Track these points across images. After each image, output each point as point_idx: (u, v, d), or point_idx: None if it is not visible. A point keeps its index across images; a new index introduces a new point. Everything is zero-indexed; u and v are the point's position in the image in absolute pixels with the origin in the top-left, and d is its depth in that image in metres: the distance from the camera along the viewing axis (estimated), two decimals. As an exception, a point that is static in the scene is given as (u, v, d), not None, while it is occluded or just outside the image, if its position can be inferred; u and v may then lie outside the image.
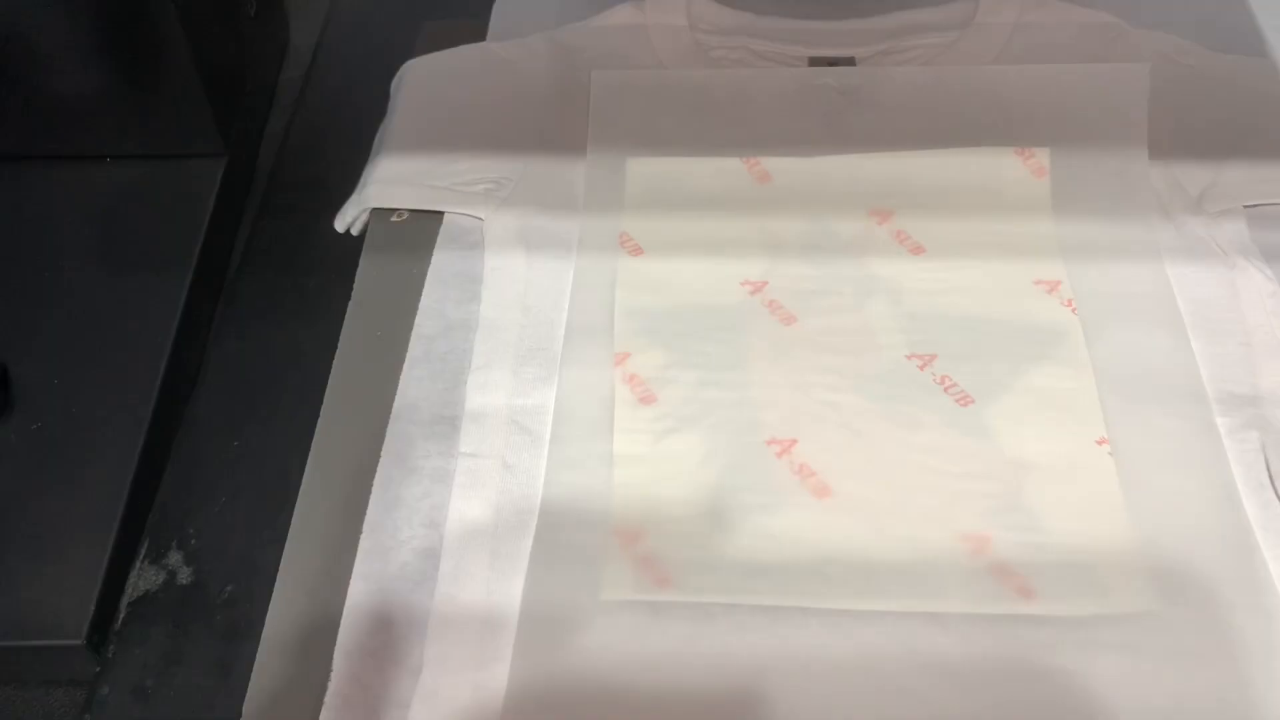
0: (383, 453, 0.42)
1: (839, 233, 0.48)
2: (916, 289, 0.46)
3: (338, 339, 0.49)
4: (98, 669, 0.43)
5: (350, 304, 0.48)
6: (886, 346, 0.44)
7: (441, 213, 0.50)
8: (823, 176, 0.49)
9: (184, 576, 0.46)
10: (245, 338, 0.53)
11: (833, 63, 0.54)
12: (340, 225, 0.51)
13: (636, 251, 0.48)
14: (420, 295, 0.47)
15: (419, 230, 0.50)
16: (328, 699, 0.36)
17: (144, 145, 0.58)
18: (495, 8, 0.60)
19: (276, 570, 0.43)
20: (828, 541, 0.39)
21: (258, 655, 0.39)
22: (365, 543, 0.40)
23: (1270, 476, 0.40)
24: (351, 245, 0.53)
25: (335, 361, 0.46)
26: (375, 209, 0.51)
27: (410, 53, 0.59)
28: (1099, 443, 0.41)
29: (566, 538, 0.40)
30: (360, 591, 0.39)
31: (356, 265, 0.52)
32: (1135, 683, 0.36)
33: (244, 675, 0.42)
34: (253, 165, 0.62)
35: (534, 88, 0.54)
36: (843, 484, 0.40)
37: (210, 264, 0.56)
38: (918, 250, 0.47)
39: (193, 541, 0.46)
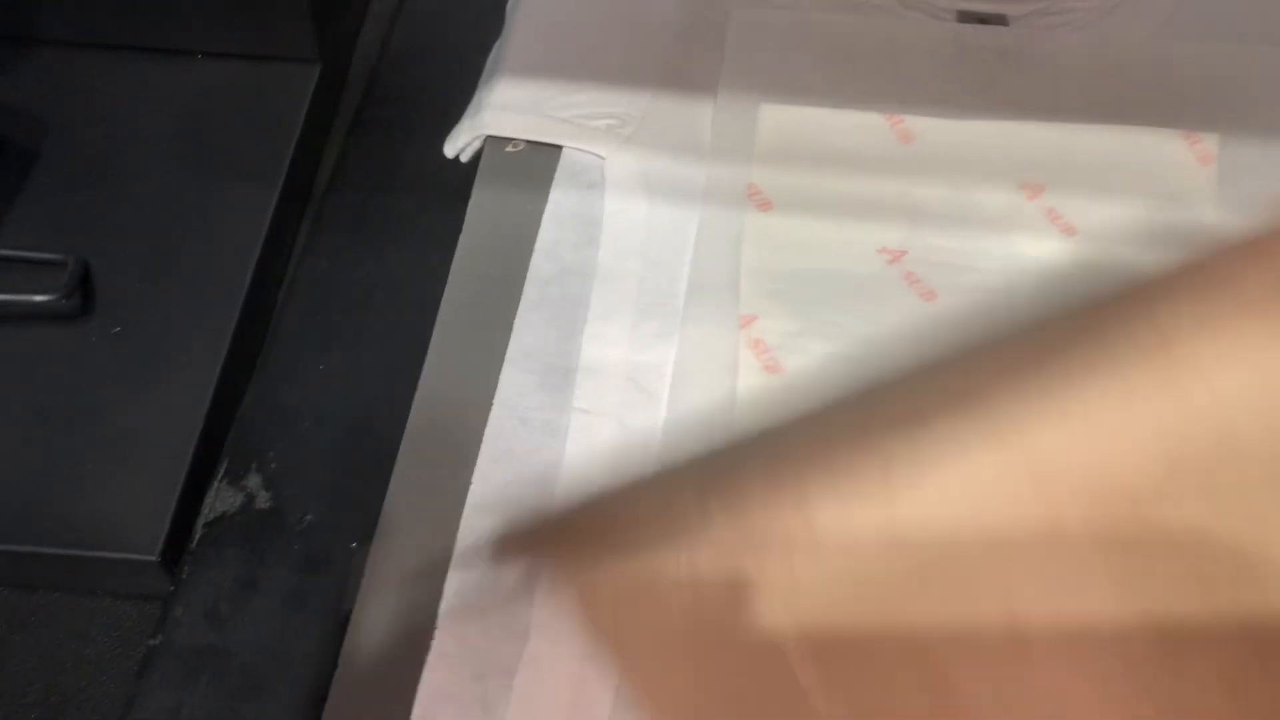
0: (495, 401, 0.40)
1: (985, 204, 0.45)
2: (1065, 272, 0.43)
3: (429, 266, 0.47)
4: (171, 588, 0.42)
5: (462, 235, 0.45)
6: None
7: (560, 147, 0.47)
8: (970, 142, 0.46)
9: (262, 500, 0.44)
10: (334, 258, 0.51)
11: (983, 19, 0.51)
12: (450, 150, 0.49)
13: (765, 206, 0.45)
14: (536, 234, 0.45)
15: (536, 162, 0.47)
16: (430, 657, 0.34)
17: (236, 43, 0.56)
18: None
19: (361, 501, 0.42)
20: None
21: (356, 603, 0.37)
22: (474, 495, 0.38)
23: None
24: (447, 169, 0.51)
25: (445, 295, 0.44)
26: (490, 136, 0.48)
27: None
28: None
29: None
30: (469, 547, 0.37)
31: (451, 190, 0.49)
32: None
33: (320, 608, 0.41)
34: (345, 74, 0.59)
35: (665, 19, 0.51)
36: None
37: (299, 177, 0.54)
38: (1069, 230, 0.44)
39: (272, 465, 0.45)
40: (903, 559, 0.34)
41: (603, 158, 0.47)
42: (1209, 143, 0.46)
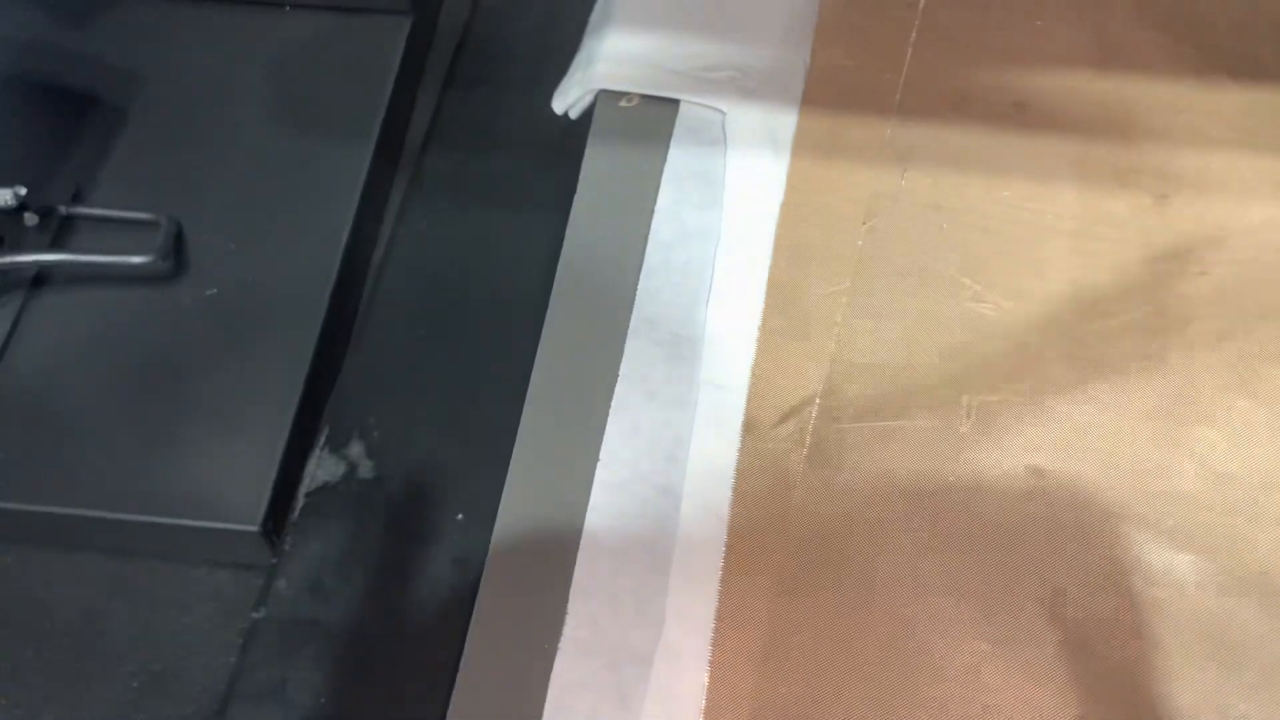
0: (620, 373, 0.38)
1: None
2: None
3: (533, 228, 0.45)
4: (273, 560, 0.41)
5: (576, 197, 0.43)
6: None
7: (678, 101, 0.45)
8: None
9: (365, 470, 0.43)
10: (432, 220, 0.49)
11: None
12: (560, 105, 0.46)
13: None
14: (656, 195, 0.42)
15: (653, 118, 0.45)
16: (562, 644, 0.33)
17: (325, -5, 0.54)
18: None
19: (465, 471, 0.40)
20: None
21: (481, 583, 0.36)
22: (602, 473, 0.36)
23: None
24: (547, 126, 0.49)
25: (562, 260, 0.42)
26: (603, 91, 0.46)
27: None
28: None
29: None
30: (599, 527, 0.35)
31: (553, 148, 0.48)
32: None
33: (428, 583, 0.40)
34: (437, 26, 0.57)
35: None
36: None
37: (393, 133, 0.52)
38: None
39: (375, 433, 0.43)
40: None
41: (724, 112, 0.44)
42: None
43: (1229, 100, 0.43)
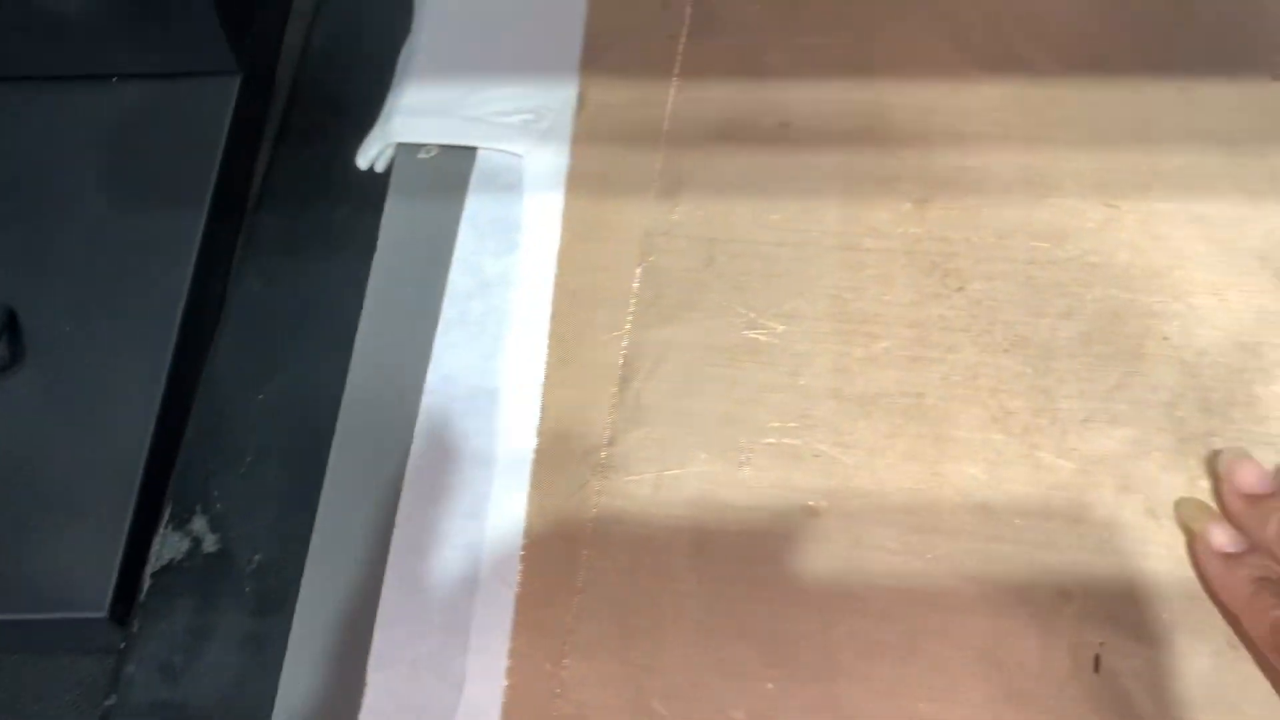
0: (415, 433, 0.38)
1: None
2: None
3: (365, 278, 0.45)
4: (123, 643, 0.41)
5: (376, 255, 0.43)
6: None
7: (475, 149, 0.45)
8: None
9: (210, 544, 0.43)
10: (269, 278, 0.49)
11: None
12: (363, 162, 0.47)
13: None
14: (453, 245, 0.43)
15: (450, 167, 0.45)
16: (363, 714, 0.33)
17: (151, 63, 0.54)
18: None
19: (308, 538, 0.40)
20: None
21: (284, 665, 0.36)
22: (400, 538, 0.36)
23: None
24: (376, 175, 0.49)
25: (361, 321, 0.42)
26: (401, 145, 0.46)
27: (438, -44, 0.53)
28: None
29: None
30: (397, 596, 0.35)
31: (382, 197, 0.47)
32: None
33: (277, 651, 0.40)
34: (270, 83, 0.57)
35: (577, 6, 0.48)
36: None
37: (228, 194, 0.52)
38: None
39: (217, 505, 0.44)
40: None
41: (520, 156, 0.45)
42: None
43: (982, 95, 0.44)
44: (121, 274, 0.48)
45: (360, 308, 0.45)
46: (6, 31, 0.52)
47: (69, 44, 0.53)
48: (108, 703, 0.40)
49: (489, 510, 0.36)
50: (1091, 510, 0.35)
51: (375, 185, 0.49)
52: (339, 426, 0.40)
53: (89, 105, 0.53)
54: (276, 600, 0.41)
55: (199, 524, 0.43)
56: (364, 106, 0.52)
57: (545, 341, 0.40)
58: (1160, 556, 0.35)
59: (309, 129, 0.54)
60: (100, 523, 0.43)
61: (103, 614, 0.41)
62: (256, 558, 0.42)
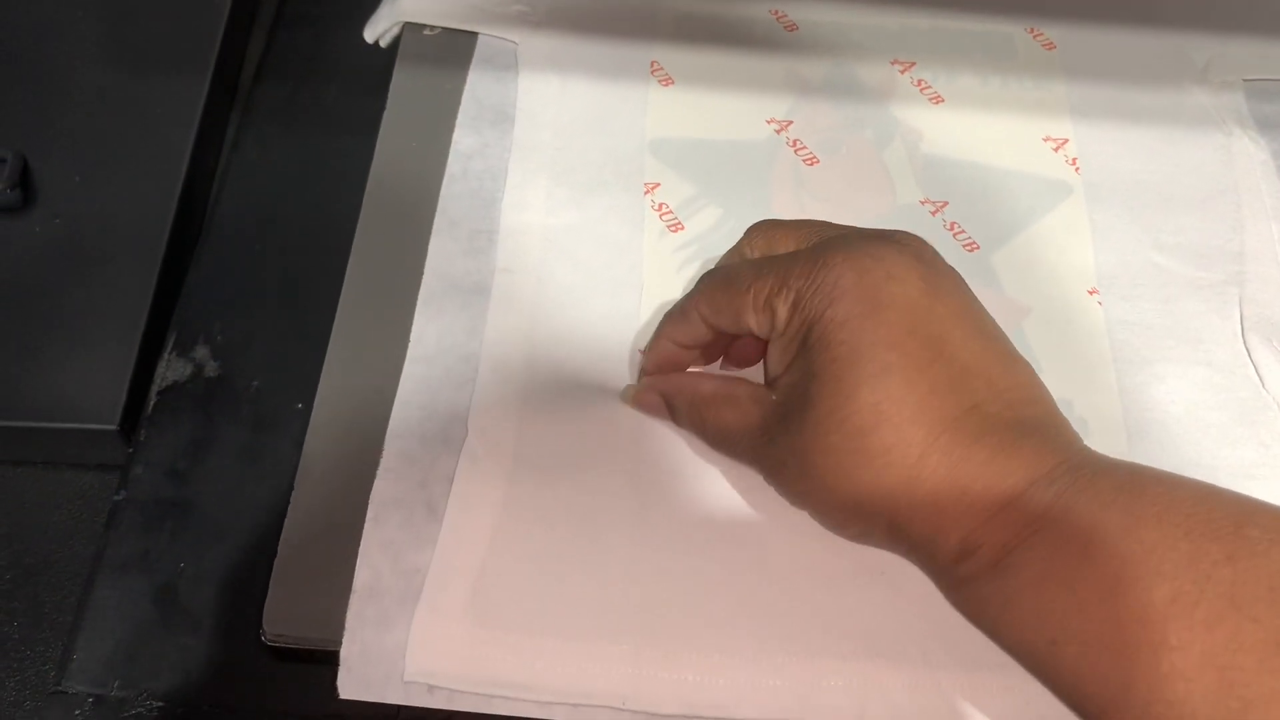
0: (425, 268, 0.43)
1: (862, 78, 0.50)
2: (933, 137, 0.48)
3: (358, 150, 0.50)
4: (130, 450, 0.45)
5: (384, 116, 0.48)
6: (901, 189, 0.46)
7: (476, 33, 0.50)
8: (847, 27, 0.51)
9: (211, 370, 0.47)
10: (265, 145, 0.54)
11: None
12: (370, 35, 0.51)
13: (667, 81, 0.49)
14: (456, 112, 0.48)
15: (453, 45, 0.50)
16: (380, 472, 0.39)
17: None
18: None
19: (302, 367, 0.45)
20: None
21: (306, 438, 0.41)
22: (413, 350, 0.42)
23: (1242, 328, 0.43)
24: (369, 58, 0.53)
25: (372, 173, 0.47)
26: (408, 22, 0.51)
27: None
28: (1090, 293, 0.44)
29: (598, 350, 0.42)
30: (408, 390, 0.41)
31: (374, 78, 0.52)
32: None
33: (273, 463, 0.45)
34: (264, -31, 0.61)
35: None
36: None
37: (226, 69, 0.56)
38: (937, 100, 0.49)
39: (218, 338, 0.48)
40: None
41: (515, 43, 0.50)
42: (1050, 32, 0.51)
43: None
44: (127, 134, 0.52)
45: (351, 175, 0.50)
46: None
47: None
48: (117, 498, 0.44)
49: (486, 327, 0.42)
50: None
51: (363, 69, 0.54)
52: (354, 248, 0.45)
53: (96, -26, 0.57)
54: (271, 420, 0.46)
55: (201, 352, 0.48)
56: (350, -1, 0.56)
57: (540, 193, 0.46)
58: None
59: (304, 17, 0.58)
60: (110, 348, 0.47)
61: (113, 426, 0.45)
62: (254, 383, 0.47)
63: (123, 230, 0.50)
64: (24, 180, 0.50)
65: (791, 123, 0.48)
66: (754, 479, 0.38)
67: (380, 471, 0.39)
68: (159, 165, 0.52)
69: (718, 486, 0.39)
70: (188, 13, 0.56)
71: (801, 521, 0.37)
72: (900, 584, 0.36)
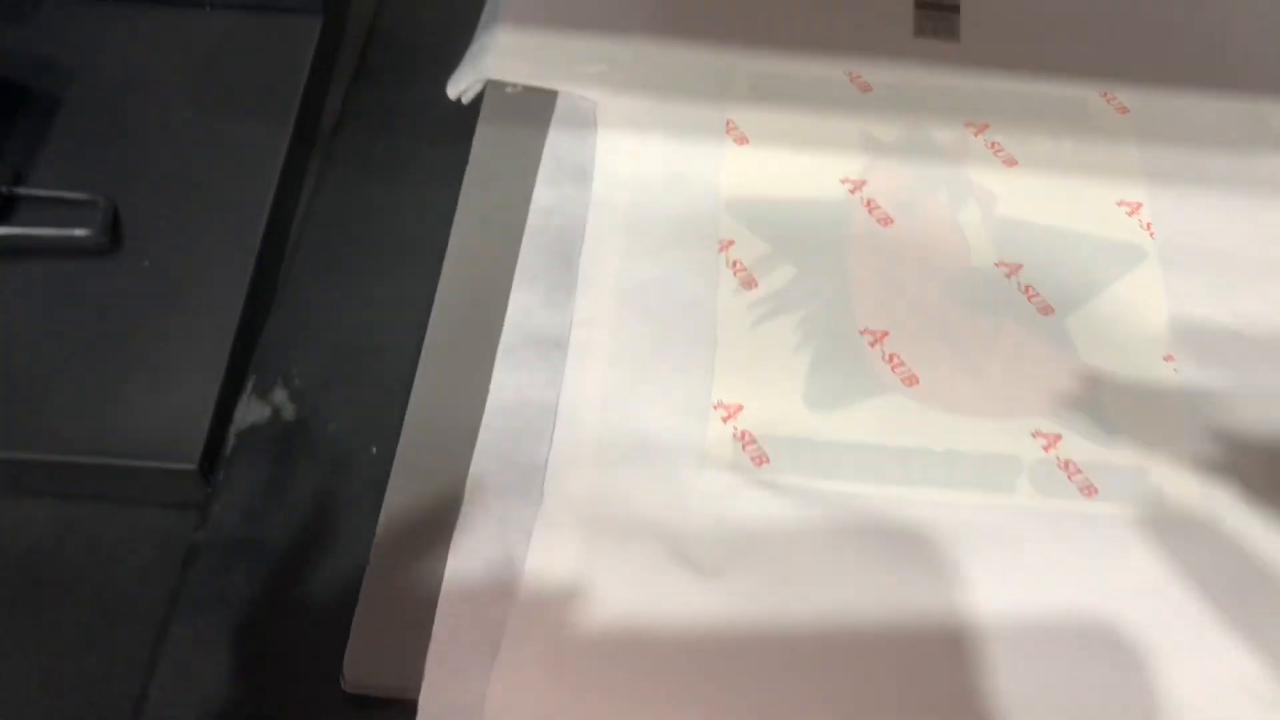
0: (506, 321, 0.44)
1: (936, 139, 0.50)
2: (1007, 199, 0.48)
3: (434, 199, 0.51)
4: (209, 490, 0.46)
5: (467, 171, 0.50)
6: (976, 251, 0.47)
7: (556, 91, 0.52)
8: (921, 89, 0.51)
9: (288, 413, 0.48)
10: (344, 193, 0.55)
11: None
12: (453, 92, 0.53)
13: (742, 141, 0.50)
14: (537, 168, 0.49)
15: (534, 102, 0.52)
16: (460, 522, 0.40)
17: (242, -5, 0.59)
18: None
19: (376, 411, 0.46)
20: (914, 427, 0.42)
21: (388, 486, 0.42)
22: (492, 399, 0.42)
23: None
24: (444, 110, 0.55)
25: (455, 226, 0.48)
26: (491, 80, 0.52)
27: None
28: (1165, 359, 0.44)
29: (672, 403, 0.43)
30: (488, 441, 0.42)
31: (449, 130, 0.53)
32: (1177, 578, 0.39)
33: (347, 506, 0.45)
34: (346, 23, 0.63)
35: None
36: (930, 374, 0.43)
37: (308, 119, 0.58)
38: (1010, 162, 0.49)
39: (296, 381, 0.49)
40: None
41: (594, 101, 0.51)
42: (1124, 96, 0.51)
43: None
44: (213, 179, 0.54)
45: (426, 224, 0.51)
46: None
47: (170, -29, 0.58)
48: (195, 537, 0.45)
49: (565, 379, 0.43)
50: None
51: (439, 120, 0.55)
52: (437, 302, 0.46)
53: (186, 28, 0.59)
54: (346, 461, 0.47)
55: (279, 396, 0.49)
56: (429, 53, 0.58)
57: (617, 248, 0.46)
58: None
59: (382, 69, 0.60)
60: (192, 388, 0.48)
61: (193, 466, 0.46)
62: (330, 427, 0.48)
63: (206, 274, 0.51)
64: (113, 224, 0.52)
65: (865, 182, 0.49)
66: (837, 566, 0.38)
67: (460, 522, 0.39)
68: (243, 210, 0.53)
69: (797, 557, 0.39)
70: (271, 62, 0.58)
71: (876, 610, 0.37)
72: None
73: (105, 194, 0.52)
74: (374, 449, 0.47)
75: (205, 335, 0.49)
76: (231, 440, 0.48)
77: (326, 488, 0.46)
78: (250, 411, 0.49)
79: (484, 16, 0.55)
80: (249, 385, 0.49)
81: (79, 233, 0.50)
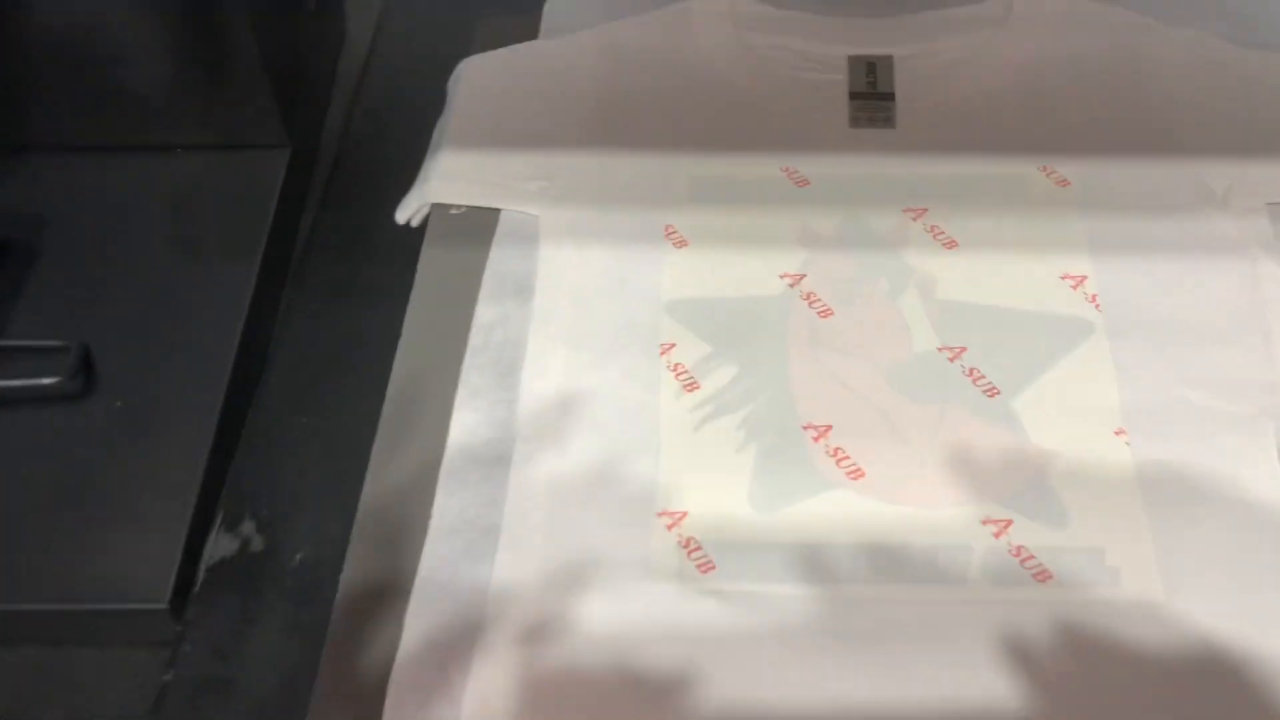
0: (448, 442, 0.45)
1: (875, 228, 0.50)
2: (948, 282, 0.48)
3: (399, 323, 0.52)
4: (179, 629, 0.47)
5: (413, 293, 0.51)
6: (918, 338, 0.47)
7: (499, 209, 0.53)
8: (858, 179, 0.52)
9: (256, 544, 0.49)
10: (312, 320, 0.56)
11: (871, 62, 0.56)
12: (401, 217, 0.54)
13: (681, 244, 0.51)
14: (479, 286, 0.50)
15: (477, 223, 0.53)
16: (399, 654, 0.40)
17: (212, 136, 0.61)
18: (546, 6, 0.63)
19: (345, 539, 0.46)
20: (862, 523, 0.42)
21: (331, 619, 0.42)
22: (434, 524, 0.43)
23: (1282, 463, 0.42)
24: (409, 235, 0.56)
25: (399, 348, 0.49)
26: (435, 204, 0.53)
27: (463, 46, 0.62)
28: (1117, 433, 0.44)
29: (615, 516, 0.43)
30: (429, 568, 0.42)
31: (414, 254, 0.54)
32: (1140, 663, 0.38)
33: (316, 634, 0.45)
34: (314, 156, 0.65)
35: (582, 85, 0.56)
36: (875, 467, 0.43)
37: (277, 251, 0.59)
38: (950, 245, 0.49)
39: (264, 512, 0.50)
40: None
41: (536, 215, 0.52)
42: (1063, 169, 0.51)
43: None
44: (182, 318, 0.55)
45: (392, 347, 0.52)
46: (88, 107, 0.60)
47: (140, 118, 0.61)
48: (165, 678, 0.46)
49: (508, 495, 0.43)
50: None
51: (403, 246, 0.57)
52: (381, 425, 0.46)
53: (157, 171, 0.61)
54: (315, 591, 0.47)
55: (248, 528, 0.50)
56: (394, 180, 0.59)
57: (559, 360, 0.47)
58: None
59: (348, 197, 0.62)
60: (161, 527, 0.48)
61: (163, 605, 0.47)
62: (298, 556, 0.48)
63: (177, 411, 0.52)
64: (85, 368, 0.53)
65: (805, 276, 0.49)
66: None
67: (400, 654, 0.39)
68: (213, 344, 0.54)
69: (748, 666, 0.39)
70: (241, 197, 0.60)
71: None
72: None
73: (78, 339, 0.53)
74: (341, 576, 0.47)
75: (175, 472, 0.50)
76: (201, 575, 0.48)
77: (293, 620, 0.47)
78: (220, 546, 0.49)
79: (432, 143, 0.57)
80: (218, 518, 0.50)
81: (46, 381, 0.51)
